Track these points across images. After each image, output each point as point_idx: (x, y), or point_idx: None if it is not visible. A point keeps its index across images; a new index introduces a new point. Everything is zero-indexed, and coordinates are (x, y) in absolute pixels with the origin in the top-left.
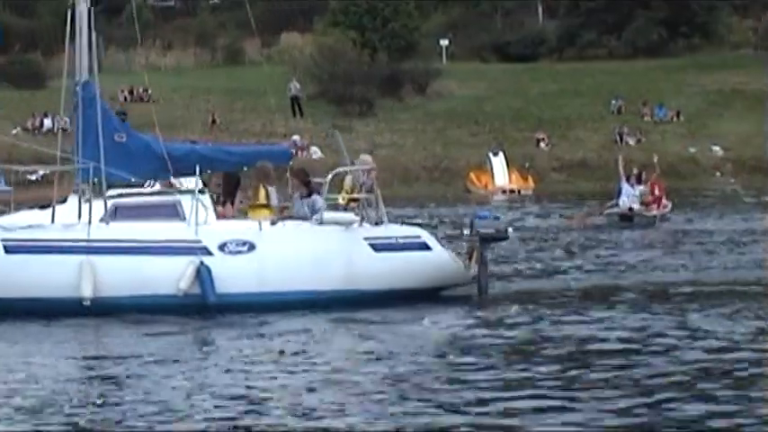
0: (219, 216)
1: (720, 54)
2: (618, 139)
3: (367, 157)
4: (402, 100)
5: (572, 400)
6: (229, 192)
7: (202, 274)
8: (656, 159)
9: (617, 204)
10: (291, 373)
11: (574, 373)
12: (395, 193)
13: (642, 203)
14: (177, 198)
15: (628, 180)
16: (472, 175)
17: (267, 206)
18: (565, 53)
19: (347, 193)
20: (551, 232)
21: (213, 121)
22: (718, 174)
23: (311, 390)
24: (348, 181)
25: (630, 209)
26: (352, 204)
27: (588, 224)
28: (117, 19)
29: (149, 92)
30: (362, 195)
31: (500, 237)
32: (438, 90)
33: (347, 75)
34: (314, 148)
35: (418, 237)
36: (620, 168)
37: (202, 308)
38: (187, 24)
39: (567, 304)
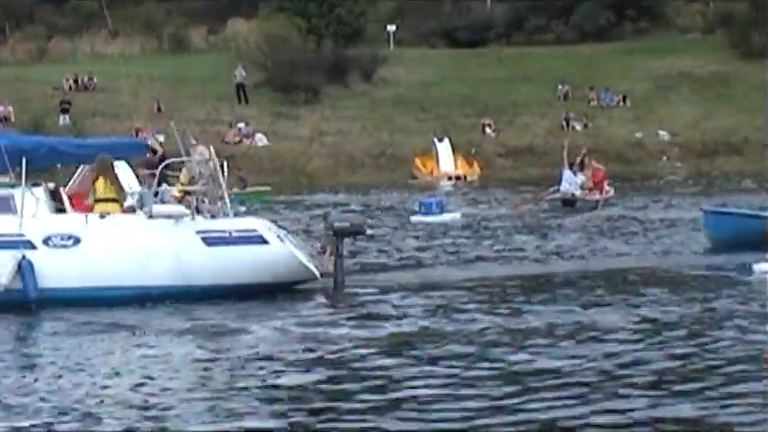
0: None
1: (668, 38)
2: (564, 124)
3: (203, 149)
4: (348, 87)
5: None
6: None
7: (24, 269)
8: (584, 151)
9: (558, 190)
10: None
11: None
12: (340, 181)
13: (584, 189)
14: (10, 192)
15: (571, 167)
16: (417, 162)
17: (115, 200)
18: (513, 38)
19: (182, 185)
20: (484, 219)
21: (159, 109)
22: (664, 158)
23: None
24: (184, 173)
25: (573, 194)
26: (187, 197)
27: (523, 210)
28: (62, 7)
29: (94, 80)
30: (196, 188)
31: (356, 231)
32: (384, 77)
33: (292, 62)
34: (259, 135)
35: (254, 230)
36: (565, 155)
37: (24, 303)
38: (133, 12)
39: (444, 296)
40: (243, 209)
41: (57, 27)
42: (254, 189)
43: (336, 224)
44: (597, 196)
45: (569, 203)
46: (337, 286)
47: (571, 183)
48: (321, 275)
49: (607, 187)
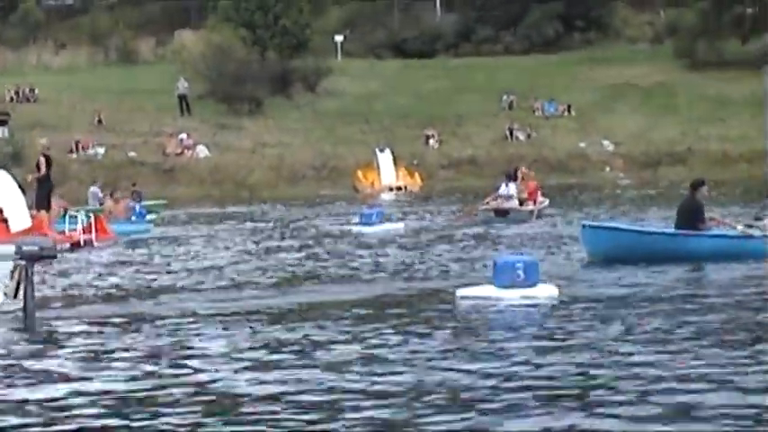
0: (36, 222)
1: (616, 48)
2: (508, 134)
3: None
4: (291, 98)
5: None
6: (41, 197)
7: None
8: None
9: (497, 196)
10: None
11: None
12: (280, 194)
13: (519, 201)
14: None
15: (507, 178)
16: (359, 174)
17: None
18: (461, 49)
19: None
20: (412, 230)
21: (99, 121)
22: (607, 169)
23: None
24: None
25: (504, 205)
26: None
27: (466, 221)
28: (9, 18)
29: (36, 92)
30: None
31: (47, 255)
32: (329, 88)
33: (236, 73)
34: (200, 147)
35: None
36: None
37: None
38: (81, 23)
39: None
40: (151, 224)
41: (2, 38)
42: (150, 203)
43: (24, 248)
44: (530, 207)
45: (502, 214)
46: (27, 313)
47: (503, 193)
48: (4, 302)
49: (541, 198)
